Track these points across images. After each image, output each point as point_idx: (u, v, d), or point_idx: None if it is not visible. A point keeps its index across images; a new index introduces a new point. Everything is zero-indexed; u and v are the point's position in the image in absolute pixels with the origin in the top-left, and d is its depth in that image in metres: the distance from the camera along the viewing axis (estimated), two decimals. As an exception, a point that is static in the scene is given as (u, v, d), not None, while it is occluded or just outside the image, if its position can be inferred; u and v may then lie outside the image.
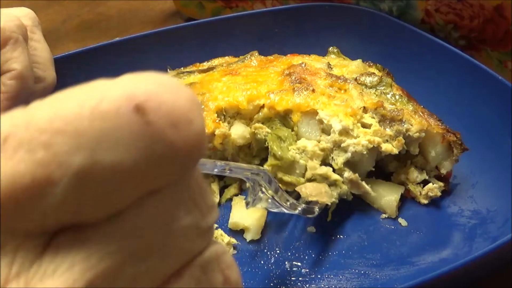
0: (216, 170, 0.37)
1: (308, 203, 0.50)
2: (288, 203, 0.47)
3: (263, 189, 0.45)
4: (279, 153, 0.55)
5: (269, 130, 0.57)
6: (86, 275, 0.17)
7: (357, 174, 0.55)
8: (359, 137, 0.54)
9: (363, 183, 0.55)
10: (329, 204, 0.52)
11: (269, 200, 0.46)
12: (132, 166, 0.17)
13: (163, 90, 0.18)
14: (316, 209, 0.50)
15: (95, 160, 0.16)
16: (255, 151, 0.59)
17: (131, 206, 0.18)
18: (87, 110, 0.16)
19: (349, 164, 0.55)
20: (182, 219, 0.19)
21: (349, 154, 0.54)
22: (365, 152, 0.54)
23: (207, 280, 0.20)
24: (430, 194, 0.56)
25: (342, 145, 0.54)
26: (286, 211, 0.48)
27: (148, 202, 0.18)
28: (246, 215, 0.55)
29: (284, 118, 0.58)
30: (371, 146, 0.54)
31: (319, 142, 0.55)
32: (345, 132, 0.54)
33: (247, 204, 0.48)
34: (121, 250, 0.17)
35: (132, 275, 0.18)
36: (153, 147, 0.17)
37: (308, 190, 0.50)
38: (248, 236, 0.54)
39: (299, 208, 0.48)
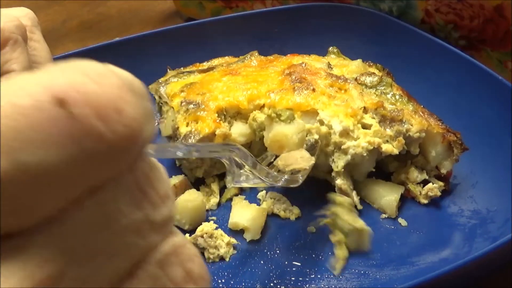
0: (180, 153, 0.34)
1: (291, 173, 0.47)
2: (269, 175, 0.45)
3: (241, 166, 0.42)
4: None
5: (266, 113, 0.56)
6: (23, 284, 0.15)
7: (348, 183, 0.55)
8: (359, 138, 0.54)
9: (354, 193, 0.56)
10: (308, 168, 0.49)
11: (250, 176, 0.44)
12: (61, 166, 0.15)
13: (86, 79, 0.16)
14: (300, 177, 0.47)
15: (18, 163, 0.15)
16: (256, 150, 0.59)
17: (68, 208, 0.16)
18: (3, 107, 0.15)
19: (349, 166, 0.55)
20: (130, 214, 0.18)
21: (349, 157, 0.54)
22: (365, 154, 0.54)
23: (166, 277, 0.19)
24: (430, 194, 0.56)
25: (343, 147, 0.54)
26: (268, 184, 0.46)
27: (88, 201, 0.17)
28: (246, 215, 0.55)
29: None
30: (371, 147, 0.54)
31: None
32: (345, 133, 0.54)
33: (228, 183, 0.45)
34: (61, 255, 0.16)
35: (77, 279, 0.17)
36: (80, 143, 0.15)
37: (283, 161, 0.48)
38: (248, 236, 0.54)
39: (282, 179, 0.46)
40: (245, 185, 0.44)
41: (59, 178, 0.16)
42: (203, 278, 0.20)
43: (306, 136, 0.53)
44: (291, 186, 0.47)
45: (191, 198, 0.55)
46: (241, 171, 0.42)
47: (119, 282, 0.18)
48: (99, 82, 0.16)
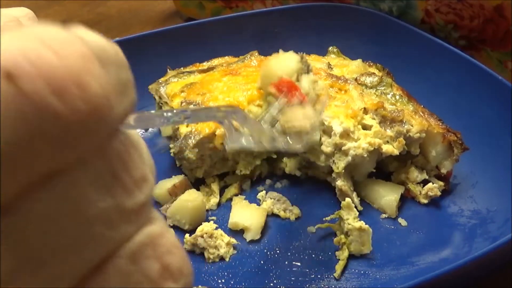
0: (167, 122, 0.30)
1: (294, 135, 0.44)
2: (271, 139, 0.41)
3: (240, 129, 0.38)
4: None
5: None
6: None
7: (349, 184, 0.55)
8: (359, 139, 0.54)
9: (354, 194, 0.56)
10: (311, 131, 0.45)
11: (250, 138, 0.40)
12: (10, 148, 0.13)
13: (43, 47, 0.14)
14: (303, 141, 0.44)
15: None
16: (256, 151, 0.59)
17: (24, 196, 0.14)
18: None
19: (350, 166, 0.55)
20: (99, 202, 0.16)
21: (349, 158, 0.54)
22: (365, 155, 0.54)
23: (139, 272, 0.17)
24: (430, 193, 0.56)
25: (343, 148, 0.54)
26: (268, 148, 0.42)
27: (47, 188, 0.15)
28: (246, 215, 0.55)
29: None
30: (372, 148, 0.54)
31: (320, 145, 0.56)
32: (346, 134, 0.54)
33: (226, 144, 0.42)
34: (14, 249, 0.14)
35: (34, 277, 0.15)
36: (33, 122, 0.14)
37: (285, 117, 0.44)
38: (248, 236, 0.54)
39: (283, 143, 0.43)
40: (244, 146, 0.40)
41: (9, 161, 0.14)
42: (183, 274, 0.18)
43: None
44: (295, 150, 0.44)
45: (191, 198, 0.55)
46: (241, 132, 0.38)
47: (84, 279, 0.16)
48: (59, 51, 0.14)
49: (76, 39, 0.15)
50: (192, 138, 0.55)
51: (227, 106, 0.38)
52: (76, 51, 0.14)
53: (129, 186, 0.17)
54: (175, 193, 0.56)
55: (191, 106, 0.35)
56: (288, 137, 0.43)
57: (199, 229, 0.53)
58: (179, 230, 0.54)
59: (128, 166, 0.17)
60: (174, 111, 0.27)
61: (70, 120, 0.14)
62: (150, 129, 0.69)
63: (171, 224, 0.55)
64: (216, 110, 0.36)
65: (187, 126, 0.56)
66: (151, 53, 0.72)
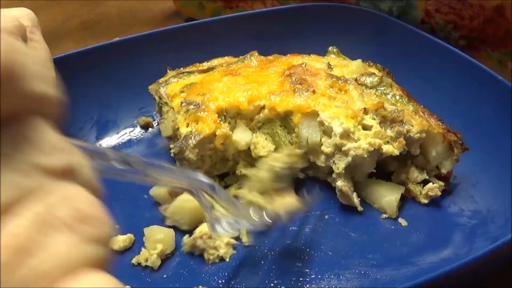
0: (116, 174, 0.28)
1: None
2: (252, 219, 0.42)
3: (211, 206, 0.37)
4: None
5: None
6: None
7: (349, 185, 0.55)
8: (360, 139, 0.54)
9: (354, 195, 0.56)
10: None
11: (231, 221, 0.40)
12: None
13: None
14: (284, 218, 0.47)
15: None
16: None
17: None
18: None
19: (350, 167, 0.55)
20: (11, 154, 0.19)
21: (350, 159, 0.54)
22: (366, 156, 0.54)
23: (51, 215, 0.19)
24: (430, 193, 0.56)
25: (343, 148, 0.54)
26: (253, 228, 0.42)
27: None
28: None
29: (284, 119, 0.58)
30: (372, 149, 0.54)
31: (320, 146, 0.56)
32: (346, 135, 0.54)
33: (211, 231, 0.42)
34: None
35: None
36: None
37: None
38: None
39: (265, 220, 0.43)
40: (224, 233, 0.39)
41: None
42: (95, 217, 0.20)
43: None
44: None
45: (190, 199, 0.54)
46: (217, 214, 0.38)
47: None
48: None
49: None
50: (193, 138, 0.55)
51: (199, 179, 0.37)
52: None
53: (45, 149, 0.20)
54: (175, 193, 0.56)
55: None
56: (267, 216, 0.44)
57: (197, 230, 0.53)
58: (178, 231, 0.54)
59: (44, 135, 0.21)
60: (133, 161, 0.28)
61: None
62: (150, 129, 0.69)
63: (170, 224, 0.55)
64: (184, 176, 0.35)
65: (187, 126, 0.56)
66: (151, 53, 0.72)
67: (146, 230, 0.53)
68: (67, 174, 0.21)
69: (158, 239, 0.51)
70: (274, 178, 0.51)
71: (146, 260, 0.51)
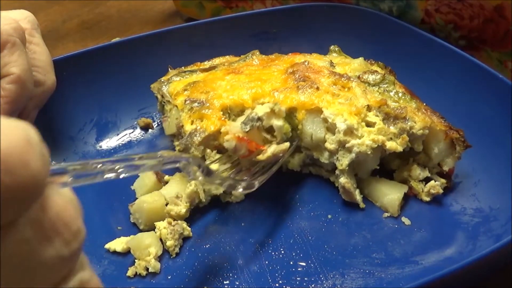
0: (101, 176, 0.27)
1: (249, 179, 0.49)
2: (225, 184, 0.45)
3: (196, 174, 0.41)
4: None
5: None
6: None
7: (352, 182, 0.55)
8: (363, 136, 0.54)
9: (357, 192, 0.56)
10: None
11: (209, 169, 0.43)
12: None
13: None
14: (256, 184, 0.48)
15: None
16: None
17: None
18: None
19: (353, 163, 0.55)
20: (44, 252, 0.19)
21: (353, 155, 0.54)
22: (369, 152, 0.54)
23: None
24: (432, 191, 0.56)
25: (347, 145, 0.54)
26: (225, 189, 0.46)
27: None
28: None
29: (289, 116, 0.57)
30: (376, 145, 0.54)
31: (324, 142, 0.56)
32: (349, 131, 0.54)
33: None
34: None
35: None
36: None
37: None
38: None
39: (239, 187, 0.47)
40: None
41: None
42: None
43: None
44: (248, 191, 0.48)
45: (150, 200, 0.54)
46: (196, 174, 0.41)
47: None
48: (5, 137, 0.18)
49: (15, 125, 0.18)
50: (198, 135, 0.55)
51: (183, 157, 0.40)
52: (18, 135, 0.18)
53: (68, 237, 0.20)
54: (160, 176, 0.58)
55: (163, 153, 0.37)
56: (242, 183, 0.48)
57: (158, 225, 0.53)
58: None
59: (66, 220, 0.20)
60: (121, 157, 0.28)
61: (16, 191, 0.18)
62: (150, 130, 0.69)
63: (132, 221, 0.55)
64: (171, 160, 0.36)
65: (192, 124, 0.56)
66: (151, 53, 0.72)
67: (131, 242, 0.51)
68: (80, 253, 0.22)
69: (147, 244, 0.51)
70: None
71: (146, 268, 0.50)
